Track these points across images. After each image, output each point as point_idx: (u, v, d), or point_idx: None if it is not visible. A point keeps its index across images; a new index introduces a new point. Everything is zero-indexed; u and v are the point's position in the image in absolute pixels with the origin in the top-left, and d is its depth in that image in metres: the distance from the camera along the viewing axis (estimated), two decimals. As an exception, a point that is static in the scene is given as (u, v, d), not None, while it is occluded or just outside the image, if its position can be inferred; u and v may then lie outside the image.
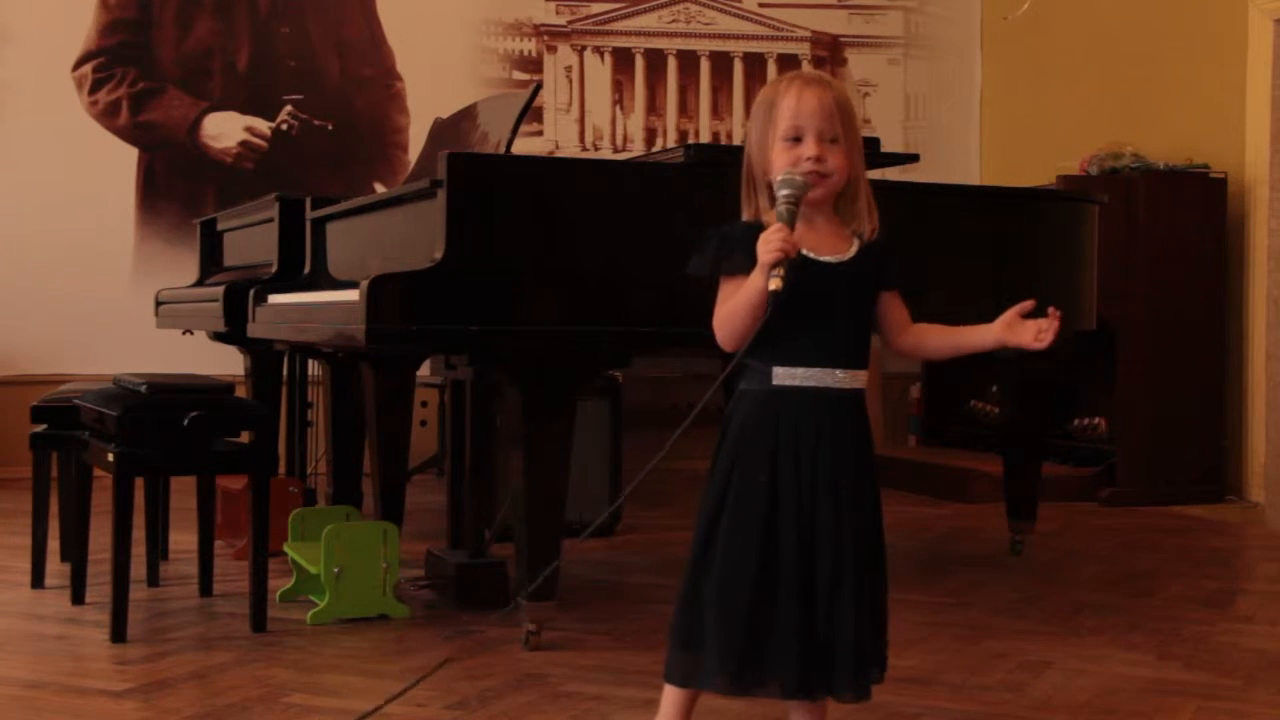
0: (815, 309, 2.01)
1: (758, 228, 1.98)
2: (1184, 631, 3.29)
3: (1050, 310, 2.03)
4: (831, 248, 2.04)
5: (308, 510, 3.77)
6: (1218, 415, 5.70)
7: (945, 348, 2.13)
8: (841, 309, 2.04)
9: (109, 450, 3.09)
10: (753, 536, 1.97)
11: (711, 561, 2.00)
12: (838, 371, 2.02)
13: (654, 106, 7.13)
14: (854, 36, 7.30)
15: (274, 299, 3.67)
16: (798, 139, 2.01)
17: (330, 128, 6.72)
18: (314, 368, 4.65)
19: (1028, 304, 2.06)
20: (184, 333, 4.81)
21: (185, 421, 3.15)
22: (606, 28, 7.09)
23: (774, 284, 1.93)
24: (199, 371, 3.80)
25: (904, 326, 2.12)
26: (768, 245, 1.93)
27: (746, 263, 1.97)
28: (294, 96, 6.68)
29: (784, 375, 2.01)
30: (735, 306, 1.99)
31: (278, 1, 6.68)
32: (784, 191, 1.97)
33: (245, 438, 3.51)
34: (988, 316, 3.56)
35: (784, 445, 2.00)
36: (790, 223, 1.95)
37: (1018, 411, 4.26)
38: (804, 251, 2.00)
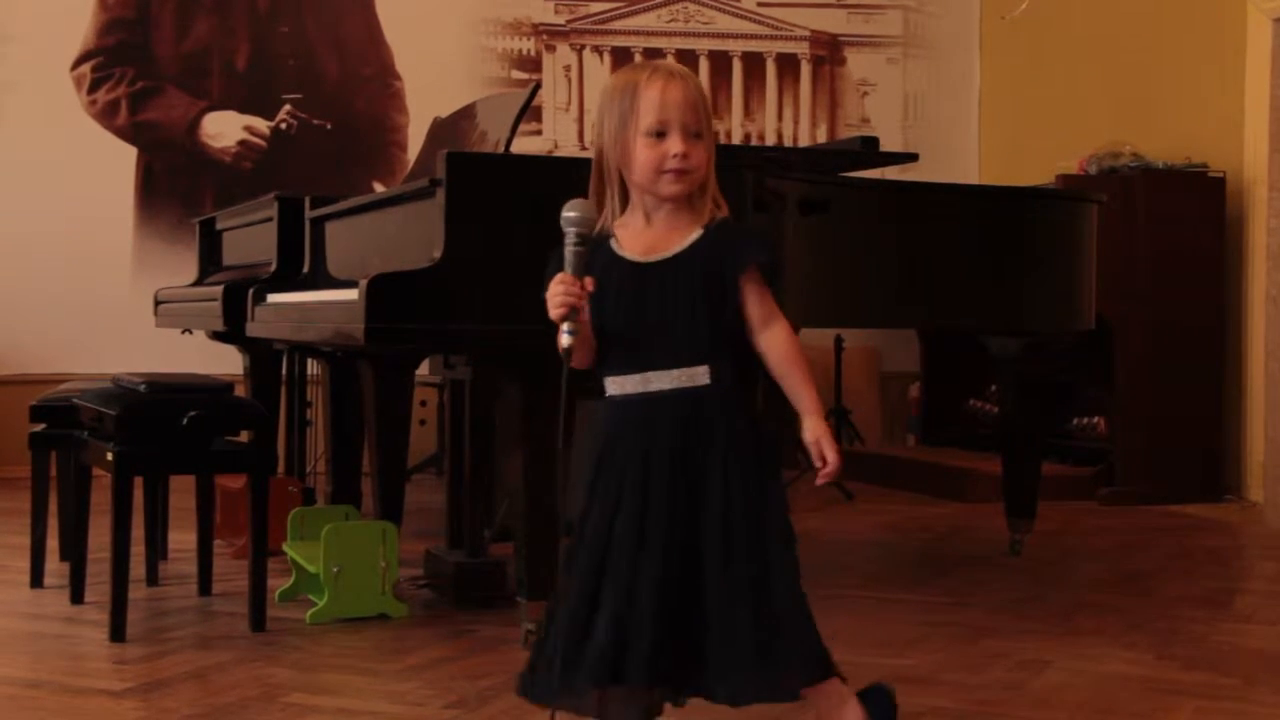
0: (632, 314, 1.96)
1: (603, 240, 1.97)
2: (1183, 631, 3.29)
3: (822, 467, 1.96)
4: (660, 246, 1.98)
5: (307, 510, 3.77)
6: (1217, 414, 5.70)
7: (778, 376, 2.00)
8: (662, 308, 1.96)
9: (108, 449, 3.09)
10: (596, 548, 1.94)
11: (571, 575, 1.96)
12: (669, 372, 1.95)
13: (653, 106, 7.12)
14: (853, 36, 7.30)
15: (273, 298, 3.67)
16: (661, 134, 1.94)
17: (329, 127, 6.72)
18: (313, 367, 4.65)
19: (834, 460, 1.96)
20: (183, 332, 4.81)
21: (184, 421, 3.15)
22: (605, 27, 7.09)
23: (564, 340, 1.89)
24: (198, 371, 3.80)
25: (757, 323, 1.99)
26: (552, 300, 1.90)
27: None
28: (293, 96, 6.68)
29: (613, 385, 1.99)
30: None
31: (277, 1, 6.68)
32: (569, 230, 1.91)
33: (244, 437, 3.51)
34: (987, 316, 3.58)
35: (619, 455, 1.96)
36: (577, 269, 1.91)
37: (1017, 411, 4.26)
38: (625, 254, 1.97)
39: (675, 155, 1.94)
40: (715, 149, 2.01)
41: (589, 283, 1.92)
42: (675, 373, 1.96)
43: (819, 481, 2.00)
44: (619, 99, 1.98)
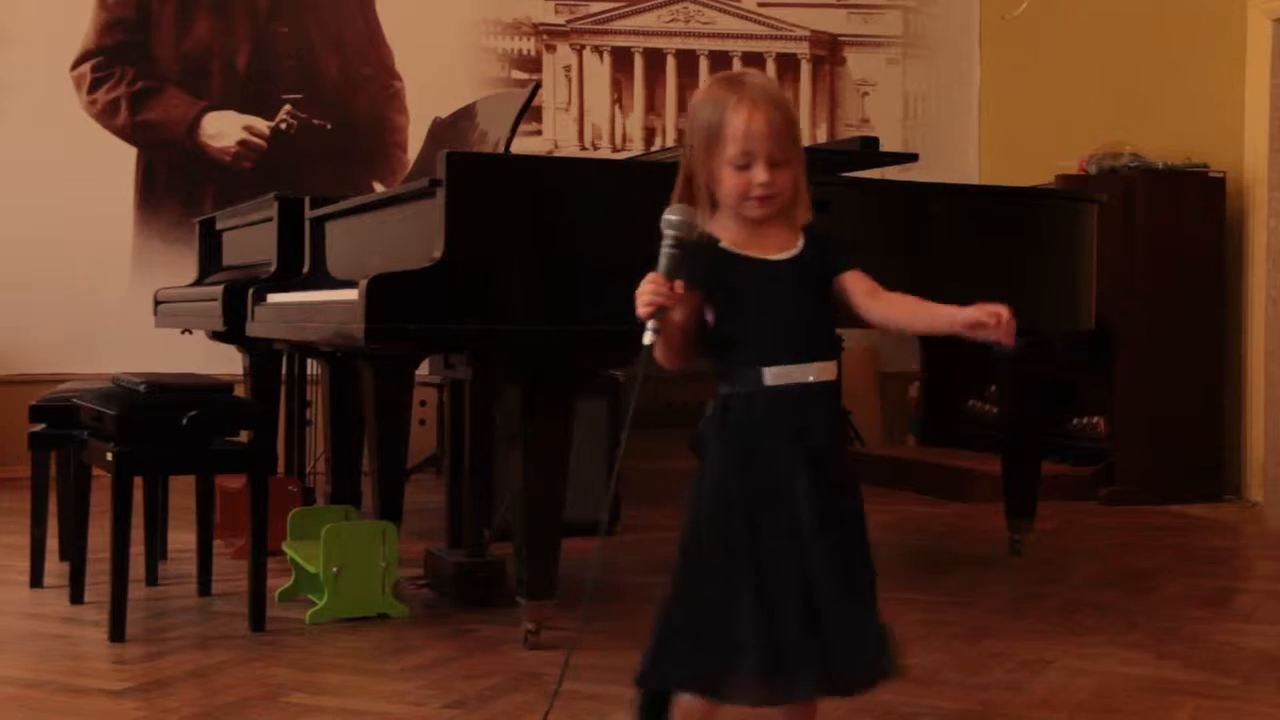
0: (778, 307, 2.00)
1: (711, 245, 1.98)
2: (1183, 630, 3.29)
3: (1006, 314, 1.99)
4: (776, 248, 2.03)
5: (307, 509, 3.77)
6: (1217, 414, 5.70)
7: (911, 319, 2.09)
8: (801, 304, 2.02)
9: (108, 449, 3.09)
10: (744, 540, 1.95)
11: (715, 569, 1.97)
12: (811, 365, 2.00)
13: (653, 106, 7.13)
14: (853, 36, 7.30)
15: (273, 298, 3.67)
16: (746, 165, 1.97)
17: (329, 127, 6.72)
18: (313, 367, 4.65)
19: (1004, 310, 1.99)
20: (183, 332, 4.81)
21: (184, 421, 3.15)
22: (605, 27, 7.09)
23: (647, 337, 1.93)
24: (198, 371, 3.80)
25: (872, 293, 2.08)
26: (640, 298, 1.92)
27: (688, 276, 1.96)
28: (293, 96, 6.68)
29: (768, 376, 2.00)
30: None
31: (277, 1, 6.68)
32: (669, 232, 1.94)
33: (244, 437, 3.51)
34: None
35: (769, 447, 1.98)
36: (669, 271, 1.93)
37: (1016, 411, 4.26)
38: (748, 253, 2.00)
39: (760, 184, 1.98)
40: (804, 162, 2.05)
41: (679, 286, 1.95)
42: (815, 366, 2.01)
43: (1003, 336, 1.98)
44: (707, 119, 2.01)
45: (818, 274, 2.05)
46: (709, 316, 1.99)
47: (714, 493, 1.98)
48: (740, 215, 2.02)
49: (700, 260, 1.98)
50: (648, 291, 1.92)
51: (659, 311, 1.92)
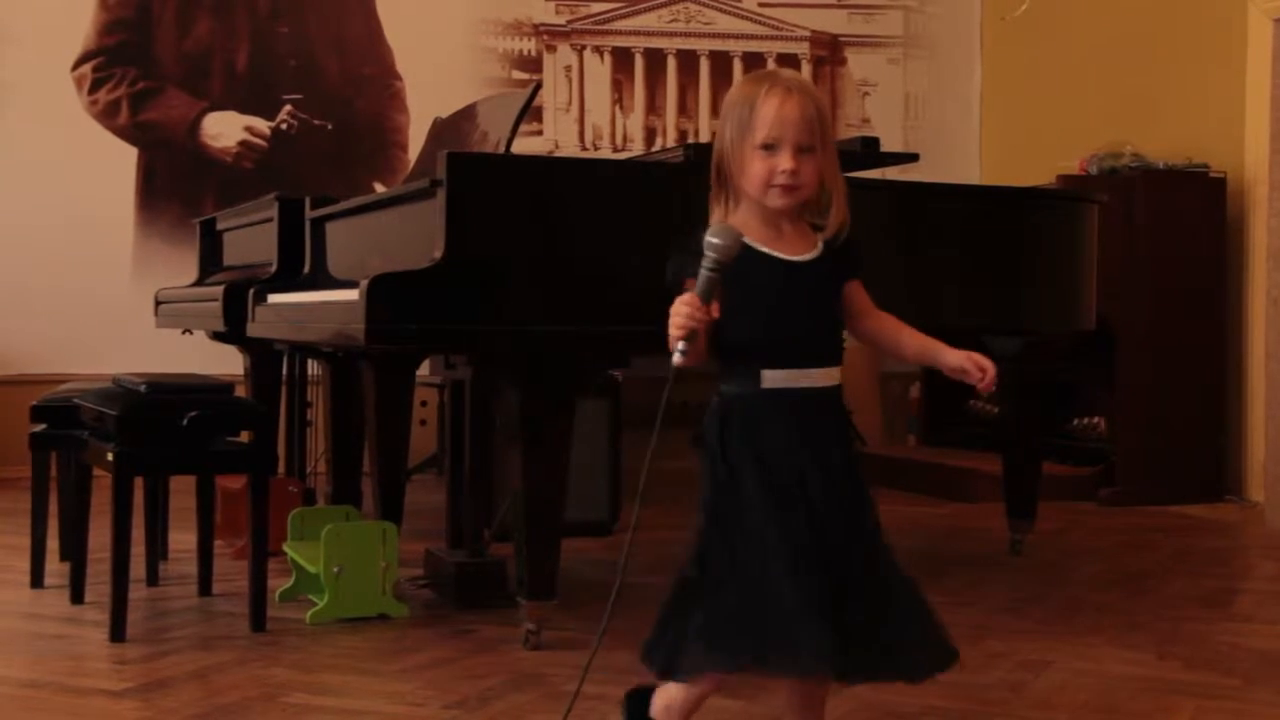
0: (792, 309, 2.01)
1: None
2: (1183, 631, 3.29)
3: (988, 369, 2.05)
4: (797, 249, 2.04)
5: (307, 510, 3.77)
6: (1217, 415, 5.70)
7: (898, 345, 2.13)
8: (813, 307, 2.04)
9: (108, 450, 3.09)
10: (769, 531, 1.96)
11: (732, 561, 1.97)
12: (815, 370, 2.01)
13: (653, 106, 7.13)
14: (853, 36, 7.30)
15: (273, 298, 3.67)
16: (773, 148, 1.99)
17: (330, 127, 6.72)
18: (314, 367, 4.65)
19: (990, 365, 2.05)
20: (183, 332, 4.81)
21: (185, 421, 3.15)
22: (606, 27, 7.09)
23: (677, 359, 1.92)
24: (198, 371, 3.80)
25: (866, 311, 2.12)
26: (675, 319, 1.92)
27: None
28: (293, 96, 6.68)
29: (770, 379, 2.00)
30: None
31: (277, 1, 6.68)
32: (710, 255, 1.93)
33: (245, 437, 3.51)
34: (987, 316, 3.57)
35: (771, 447, 1.98)
36: (707, 295, 1.92)
37: (1017, 411, 4.26)
38: (773, 252, 2.01)
39: (784, 171, 1.99)
40: (838, 161, 2.06)
41: (715, 309, 1.94)
42: (824, 371, 2.02)
43: (984, 388, 2.06)
44: (740, 108, 2.03)
45: (833, 278, 2.06)
46: (715, 310, 1.98)
47: (726, 487, 1.98)
48: (763, 206, 2.02)
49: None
50: (684, 314, 1.91)
51: (692, 335, 1.92)
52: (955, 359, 2.06)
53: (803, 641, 1.91)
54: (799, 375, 2.00)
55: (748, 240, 2.00)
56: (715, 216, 2.06)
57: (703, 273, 1.93)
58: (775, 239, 2.03)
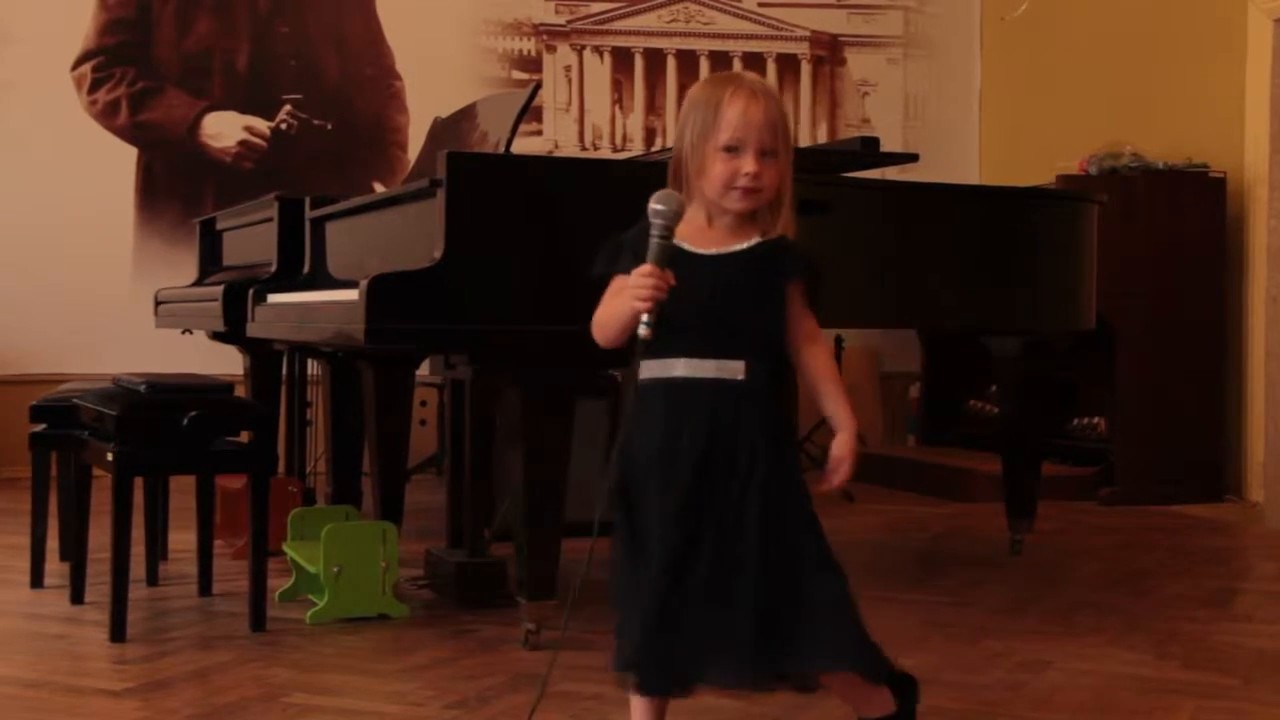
0: (682, 301, 1.97)
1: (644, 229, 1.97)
2: (1183, 631, 3.29)
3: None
4: (717, 244, 2.02)
5: (307, 510, 3.77)
6: (1217, 415, 5.70)
7: (814, 387, 2.08)
8: (730, 298, 2.00)
9: (108, 450, 3.09)
10: (649, 532, 2.00)
11: (626, 556, 2.02)
12: (709, 361, 1.99)
13: (653, 106, 7.13)
14: (853, 36, 7.30)
15: (273, 298, 3.67)
16: (735, 150, 1.98)
17: (330, 127, 6.72)
18: (313, 367, 4.65)
19: (848, 462, 2.03)
20: (183, 332, 4.81)
21: (185, 421, 3.15)
22: (606, 27, 7.09)
23: (643, 331, 1.93)
24: (198, 371, 3.80)
25: (801, 338, 2.07)
26: (637, 291, 1.91)
27: (632, 264, 1.96)
28: (293, 96, 6.68)
29: (653, 368, 2.01)
30: (607, 318, 2.01)
31: (277, 1, 6.68)
32: (657, 221, 1.93)
33: (245, 437, 3.51)
34: (987, 316, 3.57)
35: (667, 438, 1.99)
36: (661, 260, 1.93)
37: (1017, 411, 4.26)
38: (683, 244, 1.99)
39: (746, 174, 1.99)
40: (792, 167, 2.05)
41: (669, 276, 1.94)
42: (714, 363, 2.00)
43: (819, 488, 2.05)
44: (702, 110, 2.02)
45: (763, 272, 2.02)
46: (670, 277, 1.96)
47: (620, 476, 2.02)
48: (718, 207, 2.02)
49: (641, 247, 1.97)
50: (647, 285, 1.92)
51: (658, 305, 1.92)
52: (839, 447, 2.03)
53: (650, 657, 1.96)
54: (686, 365, 1.99)
55: (676, 240, 1.98)
56: None
57: (654, 241, 1.94)
58: (705, 235, 2.02)
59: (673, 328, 1.98)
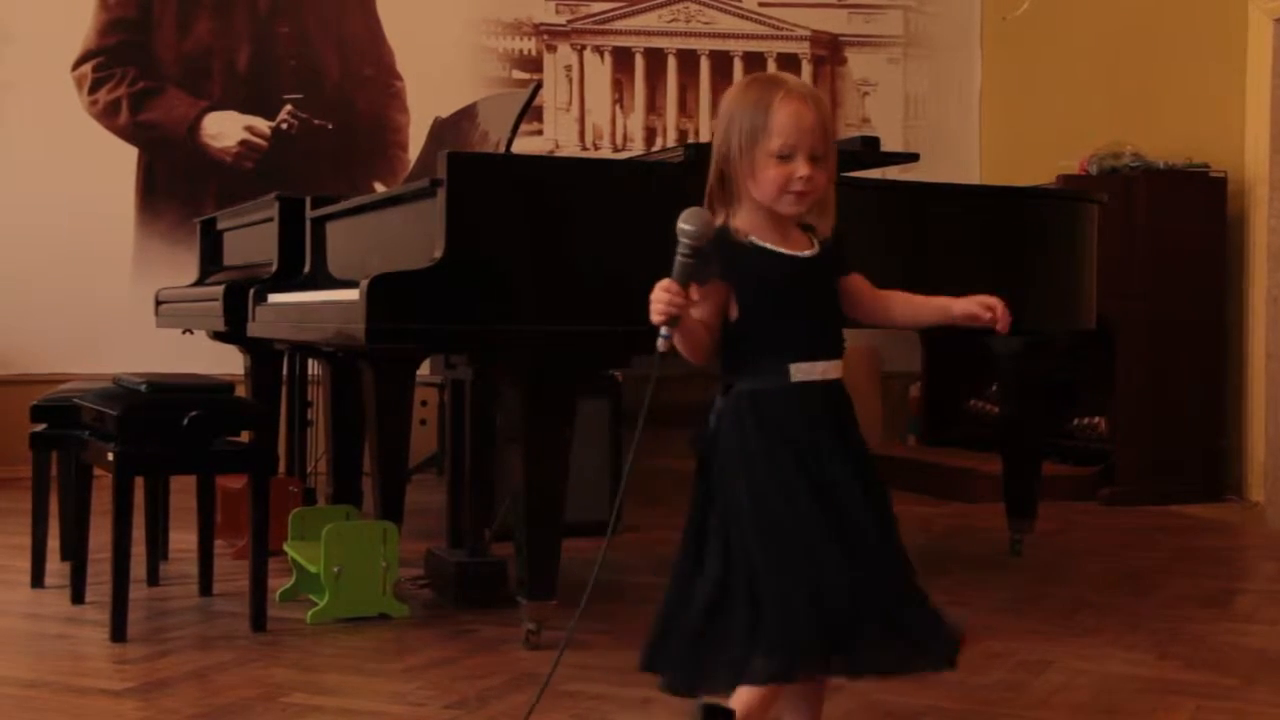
0: (809, 303, 2.04)
1: (728, 237, 2.00)
2: (1184, 631, 3.29)
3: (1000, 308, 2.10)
4: (801, 247, 2.07)
5: (307, 510, 3.77)
6: (1218, 415, 5.70)
7: (914, 316, 2.20)
8: (825, 301, 2.08)
9: (109, 449, 3.10)
10: (806, 526, 1.98)
11: (777, 557, 1.97)
12: (832, 361, 2.05)
13: (654, 106, 7.13)
14: (854, 36, 7.30)
15: (274, 298, 3.67)
16: (789, 156, 2.00)
17: (330, 127, 6.72)
18: (314, 367, 4.65)
19: (998, 302, 2.11)
20: (184, 332, 4.81)
21: (185, 421, 3.15)
22: (606, 27, 7.09)
23: (661, 345, 1.95)
24: (199, 371, 3.80)
25: (874, 295, 2.17)
26: (654, 305, 1.94)
27: (718, 272, 1.99)
28: (294, 96, 6.68)
29: (798, 371, 2.02)
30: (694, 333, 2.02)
31: (277, 1, 6.68)
32: (684, 241, 1.94)
33: (245, 437, 3.51)
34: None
35: (807, 440, 2.00)
36: (684, 279, 1.94)
37: (1017, 411, 4.26)
38: (772, 247, 2.02)
39: (800, 178, 2.00)
40: (837, 165, 2.09)
41: (694, 291, 1.96)
42: (834, 363, 2.06)
43: (1001, 328, 2.10)
44: (750, 113, 2.02)
45: (833, 274, 2.10)
46: (733, 311, 2.01)
47: (762, 484, 1.98)
48: (771, 210, 2.04)
49: (732, 254, 2.00)
50: (663, 300, 1.93)
51: (674, 320, 1.94)
52: (961, 308, 2.12)
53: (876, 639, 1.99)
54: (823, 367, 2.03)
55: (758, 240, 2.02)
56: (718, 218, 2.06)
57: (678, 259, 1.95)
58: (783, 239, 2.05)
59: (807, 330, 2.03)
